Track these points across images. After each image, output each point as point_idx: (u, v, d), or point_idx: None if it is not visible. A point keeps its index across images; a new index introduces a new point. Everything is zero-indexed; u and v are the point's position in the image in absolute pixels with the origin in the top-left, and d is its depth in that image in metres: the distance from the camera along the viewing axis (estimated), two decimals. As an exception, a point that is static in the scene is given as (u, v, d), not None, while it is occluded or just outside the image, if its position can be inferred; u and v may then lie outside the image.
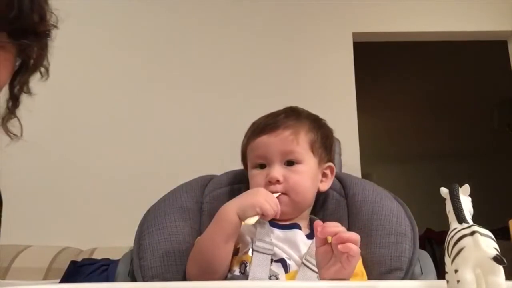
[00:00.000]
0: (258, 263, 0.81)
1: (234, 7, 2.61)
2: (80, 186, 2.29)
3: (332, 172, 0.97)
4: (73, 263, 1.70)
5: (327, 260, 0.74)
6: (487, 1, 2.67)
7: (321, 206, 1.00)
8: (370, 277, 0.85)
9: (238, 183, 1.03)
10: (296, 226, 0.88)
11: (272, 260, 0.82)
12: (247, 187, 1.00)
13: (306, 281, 0.79)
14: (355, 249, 0.71)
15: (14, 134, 0.69)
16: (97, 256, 1.82)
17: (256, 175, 0.92)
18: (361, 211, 0.94)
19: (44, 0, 0.65)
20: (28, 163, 2.12)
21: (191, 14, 2.61)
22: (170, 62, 2.51)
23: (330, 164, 0.97)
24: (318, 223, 0.76)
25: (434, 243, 3.71)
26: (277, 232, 0.86)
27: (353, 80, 2.54)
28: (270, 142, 0.90)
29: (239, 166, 1.03)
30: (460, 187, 0.53)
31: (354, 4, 2.65)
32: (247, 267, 0.81)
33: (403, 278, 0.85)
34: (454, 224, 0.49)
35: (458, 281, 0.43)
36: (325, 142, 0.96)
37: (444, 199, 0.54)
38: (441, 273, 0.54)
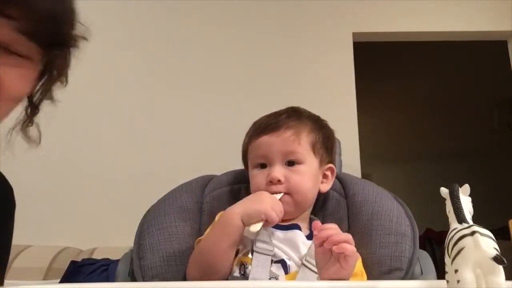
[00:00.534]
0: (258, 264, 0.80)
1: (234, 7, 2.61)
2: (80, 186, 2.29)
3: (332, 173, 0.97)
4: (73, 263, 1.70)
5: (326, 261, 0.74)
6: (487, 1, 2.67)
7: (321, 206, 1.00)
8: (370, 277, 0.85)
9: (238, 183, 1.03)
10: (296, 227, 0.88)
11: (272, 261, 0.82)
12: (247, 187, 1.00)
13: (305, 281, 0.79)
14: (350, 248, 0.72)
15: (32, 140, 0.68)
16: (97, 256, 1.82)
17: (257, 175, 0.92)
18: (361, 211, 0.94)
19: (76, 12, 0.64)
20: (28, 163, 2.12)
21: (191, 14, 2.61)
22: (170, 62, 2.51)
23: (331, 165, 0.97)
24: (316, 223, 0.76)
25: (434, 243, 3.71)
26: (277, 233, 0.86)
27: (353, 80, 2.54)
28: (272, 142, 0.90)
29: (239, 166, 1.03)
30: (460, 187, 0.53)
31: (354, 4, 2.64)
32: (247, 269, 0.81)
33: (403, 278, 0.85)
34: (454, 224, 0.49)
35: (458, 281, 0.43)
36: (326, 143, 0.96)
37: (444, 199, 0.54)
38: (441, 273, 0.54)
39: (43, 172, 2.23)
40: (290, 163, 0.90)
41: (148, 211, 0.98)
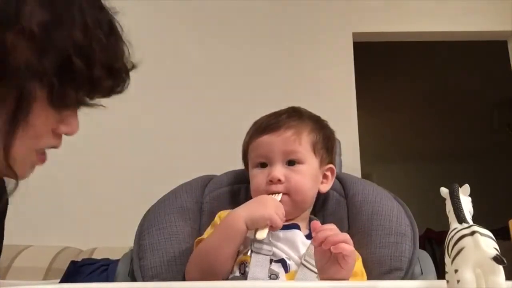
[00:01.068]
0: (256, 264, 0.80)
1: (234, 7, 2.61)
2: (80, 186, 2.29)
3: (332, 173, 0.97)
4: (73, 263, 1.70)
5: (325, 261, 0.74)
6: (487, 1, 2.67)
7: (321, 207, 1.00)
8: (370, 277, 0.85)
9: (238, 183, 1.03)
10: (296, 227, 0.88)
11: (272, 261, 0.82)
12: (247, 188, 1.00)
13: (305, 281, 0.79)
14: (347, 248, 0.72)
15: None
16: (97, 256, 1.82)
17: (257, 175, 0.91)
18: (361, 211, 0.94)
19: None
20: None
21: (190, 14, 2.61)
22: (169, 62, 2.51)
23: (331, 165, 0.97)
24: (315, 224, 0.76)
25: (434, 243, 3.71)
26: (277, 232, 0.86)
27: (353, 80, 2.54)
28: (272, 141, 0.90)
29: (239, 166, 1.03)
30: (460, 187, 0.53)
31: (354, 4, 2.64)
32: (247, 267, 0.81)
33: (403, 278, 0.85)
34: (454, 224, 0.49)
35: (458, 281, 0.43)
36: (326, 143, 0.96)
37: (444, 199, 0.54)
38: (441, 273, 0.54)
39: (43, 172, 2.23)
40: (291, 163, 0.90)
41: (148, 211, 0.98)
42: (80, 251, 1.97)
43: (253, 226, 0.81)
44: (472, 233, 0.45)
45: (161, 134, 2.39)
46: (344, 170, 1.15)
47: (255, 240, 0.82)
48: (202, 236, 0.88)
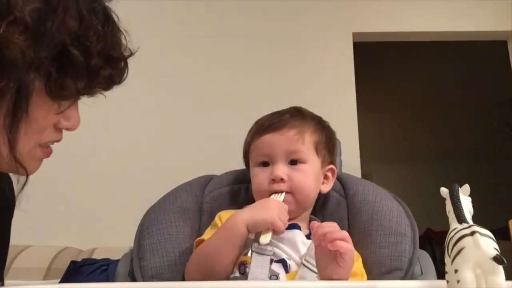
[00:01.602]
0: (257, 264, 0.80)
1: (234, 7, 2.61)
2: (80, 186, 2.28)
3: (333, 174, 0.97)
4: (73, 263, 1.70)
5: (326, 260, 0.74)
6: (487, 1, 2.67)
7: (321, 207, 1.00)
8: (370, 277, 0.85)
9: (238, 183, 1.03)
10: (296, 227, 0.88)
11: (272, 261, 0.82)
12: (247, 188, 1.00)
13: (306, 281, 0.79)
14: (344, 245, 0.72)
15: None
16: (97, 256, 1.82)
17: (259, 173, 0.91)
18: (361, 211, 0.94)
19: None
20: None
21: (190, 13, 2.60)
22: (169, 62, 2.51)
23: (332, 166, 0.97)
24: (314, 223, 0.76)
25: (434, 243, 3.71)
26: None
27: (353, 80, 2.54)
28: (275, 140, 0.90)
29: (239, 166, 1.03)
30: (460, 187, 0.53)
31: (354, 4, 2.64)
32: (247, 268, 0.81)
33: (403, 278, 0.85)
34: (454, 224, 0.49)
35: (458, 281, 0.43)
36: (328, 144, 0.96)
37: (444, 199, 0.54)
38: (441, 273, 0.54)
39: (43, 172, 2.23)
40: (293, 162, 0.89)
41: (148, 211, 0.98)
42: (80, 251, 1.97)
43: (255, 229, 0.81)
44: (472, 233, 0.45)
45: (161, 134, 2.39)
46: (344, 170, 1.15)
47: (256, 242, 0.83)
48: (202, 237, 0.88)
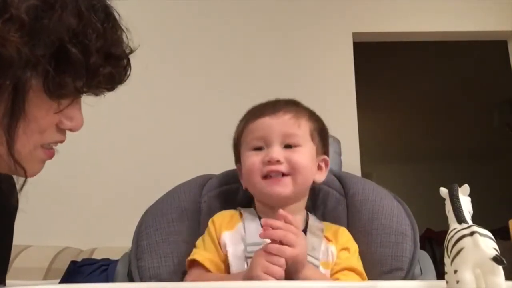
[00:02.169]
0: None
1: (234, 7, 2.61)
2: (80, 186, 2.28)
3: (326, 165, 0.94)
4: (73, 263, 1.70)
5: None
6: (487, 1, 2.67)
7: (320, 205, 0.99)
8: (371, 277, 0.84)
9: (236, 182, 1.02)
10: None
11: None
12: (246, 187, 0.99)
13: (305, 280, 0.78)
14: (288, 252, 0.72)
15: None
16: (97, 256, 1.82)
17: (251, 155, 0.88)
18: (361, 210, 0.94)
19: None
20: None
21: (188, 13, 2.60)
22: (168, 62, 2.51)
23: (325, 156, 0.95)
24: (266, 220, 0.75)
25: (434, 243, 3.71)
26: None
27: (353, 80, 2.54)
28: (272, 123, 0.88)
29: (238, 166, 1.02)
30: (460, 187, 0.53)
31: (354, 4, 2.64)
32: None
33: (404, 278, 0.84)
34: (453, 224, 0.49)
35: (457, 282, 0.43)
36: (321, 133, 0.94)
37: (444, 199, 0.54)
38: (440, 273, 0.54)
39: (43, 172, 2.23)
40: (288, 147, 0.87)
41: (146, 211, 0.97)
42: (80, 251, 1.97)
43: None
44: (472, 233, 0.45)
45: (160, 134, 2.39)
46: (344, 170, 1.15)
47: (246, 244, 0.81)
48: (193, 255, 0.84)
